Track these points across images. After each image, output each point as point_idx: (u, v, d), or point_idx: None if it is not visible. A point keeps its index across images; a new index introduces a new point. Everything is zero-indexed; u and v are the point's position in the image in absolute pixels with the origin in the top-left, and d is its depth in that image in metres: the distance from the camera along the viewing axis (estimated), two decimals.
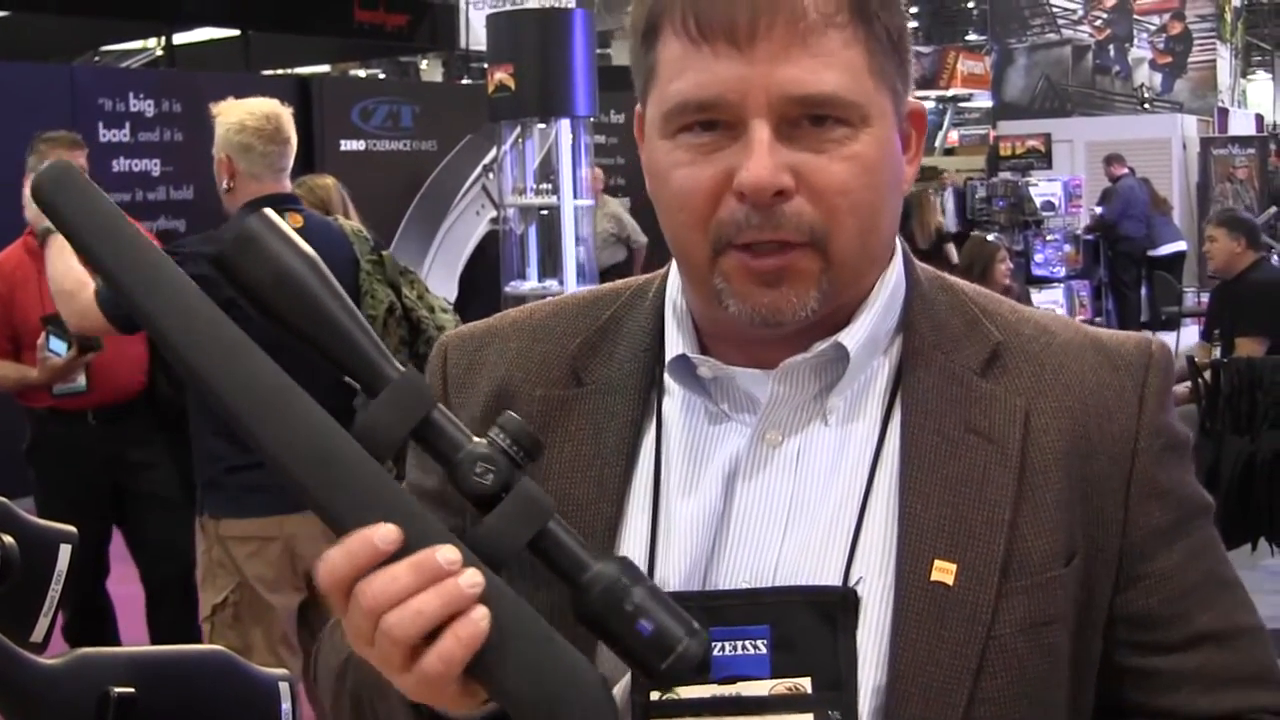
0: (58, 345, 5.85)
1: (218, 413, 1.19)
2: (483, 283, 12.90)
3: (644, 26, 1.42)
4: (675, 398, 1.50)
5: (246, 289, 1.18)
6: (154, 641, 6.09)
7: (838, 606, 1.37)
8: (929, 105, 31.33)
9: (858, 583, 1.39)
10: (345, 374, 1.19)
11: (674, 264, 1.54)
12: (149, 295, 1.16)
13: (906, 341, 1.48)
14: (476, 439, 1.19)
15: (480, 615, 1.15)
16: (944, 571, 1.38)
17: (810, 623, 1.37)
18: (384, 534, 1.15)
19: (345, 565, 1.16)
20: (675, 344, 1.49)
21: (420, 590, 1.14)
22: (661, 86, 1.41)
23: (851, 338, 1.44)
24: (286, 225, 1.19)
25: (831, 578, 1.39)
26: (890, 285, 1.48)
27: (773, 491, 1.44)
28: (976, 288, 1.58)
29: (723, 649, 1.36)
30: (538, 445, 1.18)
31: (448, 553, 1.15)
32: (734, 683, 1.36)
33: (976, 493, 1.41)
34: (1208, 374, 7.69)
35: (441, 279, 13.46)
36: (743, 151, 1.35)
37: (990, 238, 10.58)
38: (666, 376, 1.50)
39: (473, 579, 1.15)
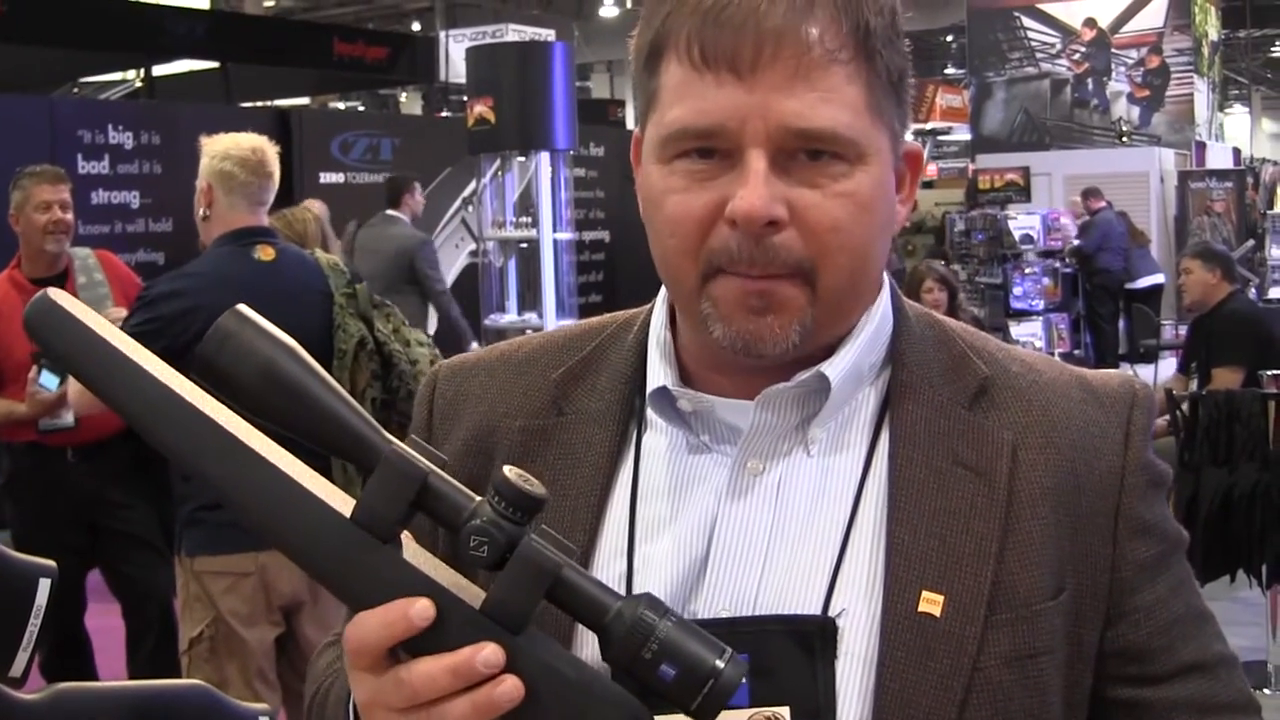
0: (49, 380, 5.83)
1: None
2: (462, 316, 12.90)
3: (648, 51, 1.42)
4: (656, 429, 1.50)
5: (230, 387, 1.19)
6: (133, 676, 6.07)
7: (816, 636, 1.37)
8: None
9: (840, 613, 1.39)
10: (338, 456, 1.20)
11: (658, 298, 1.54)
12: (158, 423, 1.19)
13: (894, 375, 1.49)
14: (476, 499, 1.18)
15: None
16: (931, 603, 1.38)
17: (789, 652, 1.37)
18: (420, 609, 1.16)
19: (378, 635, 1.17)
20: (657, 376, 1.49)
21: (457, 693, 1.16)
22: (662, 111, 1.40)
23: (834, 368, 1.44)
24: (258, 317, 1.20)
25: (813, 607, 1.39)
26: (876, 319, 1.48)
27: (753, 520, 1.43)
28: (963, 325, 1.58)
29: None
30: (534, 502, 1.17)
31: (489, 655, 1.16)
32: None
33: (964, 525, 1.41)
34: (1186, 406, 7.70)
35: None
36: (738, 180, 1.35)
37: (931, 263, 10.41)
38: (648, 409, 1.50)
39: (511, 691, 1.16)
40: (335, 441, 1.19)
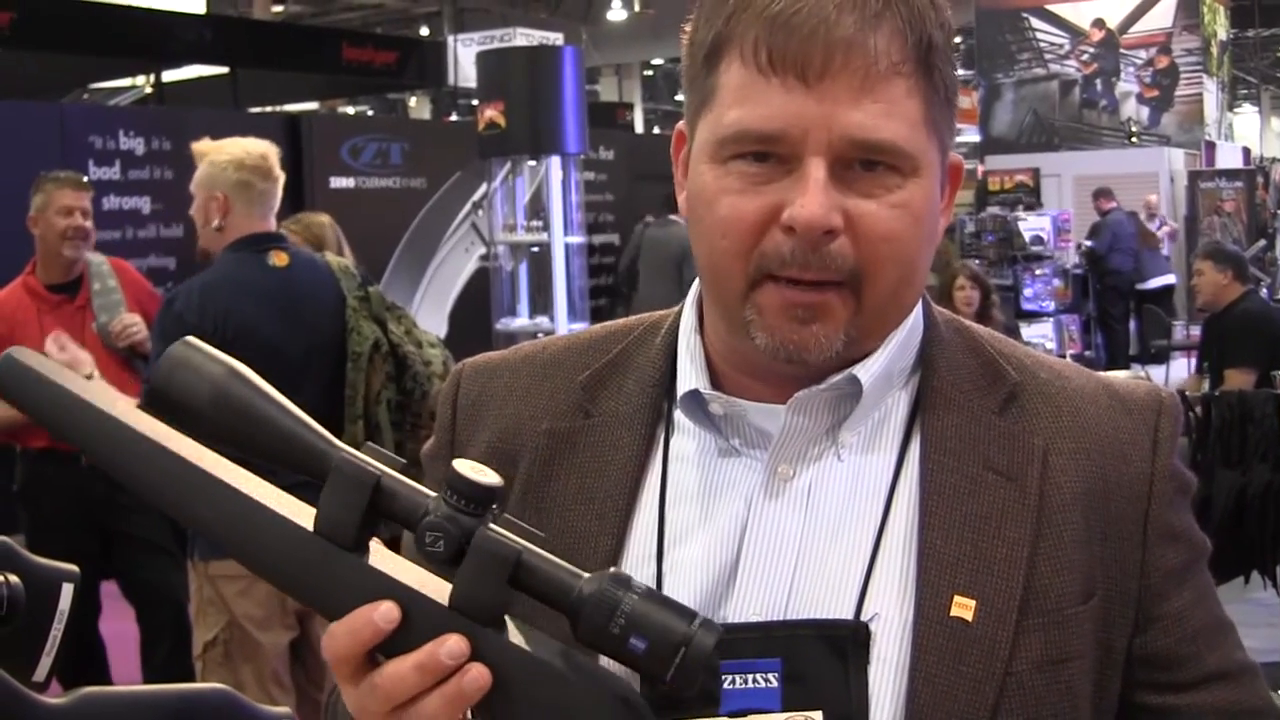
0: None
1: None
2: (472, 320, 12.89)
3: (708, 48, 1.41)
4: (685, 433, 1.50)
5: (184, 415, 1.21)
6: (148, 681, 6.07)
7: (849, 640, 1.38)
8: None
9: (873, 618, 1.39)
10: (292, 470, 1.21)
11: (687, 301, 1.54)
12: (119, 458, 1.22)
13: (924, 380, 1.49)
14: (431, 495, 1.19)
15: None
16: (963, 607, 1.38)
17: (822, 656, 1.37)
18: (384, 612, 1.17)
19: (348, 642, 1.18)
20: (688, 379, 1.49)
21: (428, 689, 1.17)
22: (719, 111, 1.40)
23: (866, 371, 1.44)
24: (206, 345, 1.22)
25: (844, 611, 1.39)
26: (907, 324, 1.48)
27: (784, 525, 1.43)
28: (990, 331, 1.59)
29: (734, 682, 1.36)
30: (487, 491, 1.17)
31: (452, 647, 1.16)
32: (745, 715, 1.36)
33: (996, 530, 1.41)
34: (1198, 407, 7.69)
35: (431, 316, 13.48)
36: (794, 187, 1.35)
37: (971, 263, 10.36)
38: (677, 412, 1.50)
39: (478, 679, 1.16)
40: (288, 456, 1.20)
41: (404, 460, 1.22)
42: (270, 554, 1.20)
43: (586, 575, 1.19)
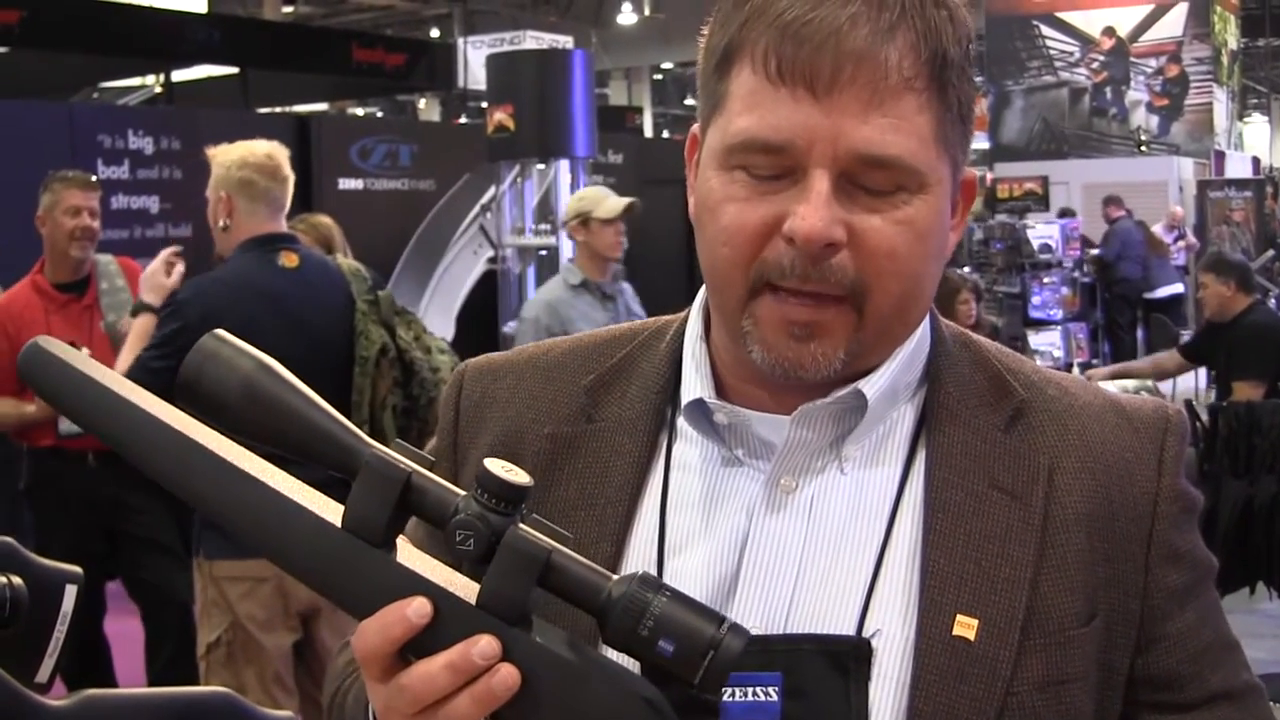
0: None
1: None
2: (480, 323, 12.89)
3: (720, 53, 1.40)
4: (688, 441, 1.49)
5: (214, 409, 1.21)
6: (152, 682, 6.08)
7: (850, 656, 1.36)
8: None
9: (874, 634, 1.38)
10: (322, 465, 1.21)
11: (694, 308, 1.53)
12: (147, 452, 1.23)
13: (930, 395, 1.48)
14: (460, 493, 1.19)
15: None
16: (966, 626, 1.37)
17: (822, 672, 1.36)
18: (417, 607, 1.17)
19: (379, 640, 1.18)
20: (692, 388, 1.48)
21: (457, 689, 1.17)
22: (728, 118, 1.38)
23: (871, 386, 1.42)
24: (236, 339, 1.23)
25: (846, 627, 1.38)
26: (915, 338, 1.47)
27: (785, 538, 1.42)
28: (998, 346, 1.57)
29: (733, 695, 1.35)
30: (517, 491, 1.18)
31: (484, 647, 1.16)
32: None
33: (999, 549, 1.40)
34: (1205, 417, 7.68)
35: (438, 318, 13.47)
36: (798, 198, 1.34)
37: (963, 272, 10.25)
38: (681, 420, 1.49)
39: (507, 679, 1.16)
40: (318, 451, 1.20)
41: (433, 458, 1.22)
42: (297, 549, 1.20)
43: (615, 577, 1.19)
